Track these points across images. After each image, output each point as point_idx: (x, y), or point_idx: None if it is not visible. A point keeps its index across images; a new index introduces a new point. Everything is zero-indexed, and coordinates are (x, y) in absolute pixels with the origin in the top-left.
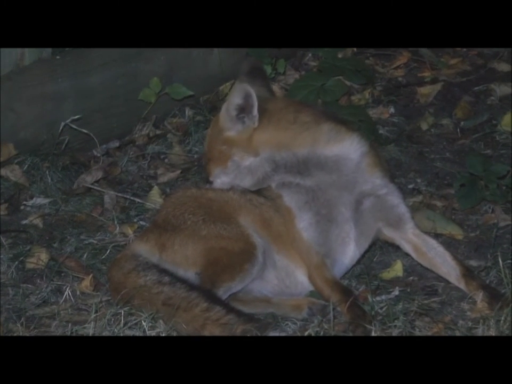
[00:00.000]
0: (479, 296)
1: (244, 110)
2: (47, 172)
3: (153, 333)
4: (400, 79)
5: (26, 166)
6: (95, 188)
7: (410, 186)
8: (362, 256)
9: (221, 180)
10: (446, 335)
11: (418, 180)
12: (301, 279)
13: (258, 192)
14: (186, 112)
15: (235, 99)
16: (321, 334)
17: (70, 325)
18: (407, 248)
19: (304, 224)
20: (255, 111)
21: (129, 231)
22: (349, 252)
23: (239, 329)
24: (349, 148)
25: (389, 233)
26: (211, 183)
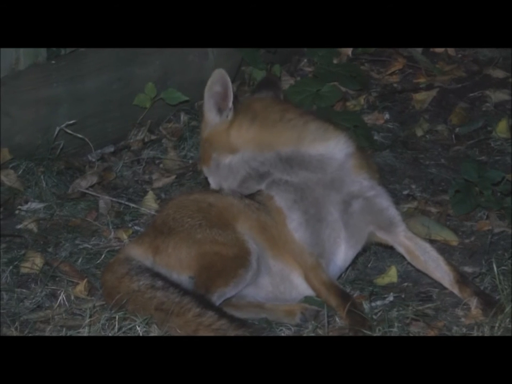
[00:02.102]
0: (473, 303)
1: (221, 97)
2: (42, 177)
3: None
4: (395, 85)
5: (21, 170)
6: (90, 192)
7: (405, 192)
8: (356, 259)
9: (210, 179)
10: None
11: (413, 186)
12: (296, 282)
13: (252, 197)
14: (181, 117)
15: (213, 85)
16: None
17: (64, 329)
18: (401, 250)
19: (294, 225)
20: (230, 103)
21: (124, 236)
22: (340, 253)
23: (231, 334)
24: (334, 148)
25: (382, 236)
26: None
